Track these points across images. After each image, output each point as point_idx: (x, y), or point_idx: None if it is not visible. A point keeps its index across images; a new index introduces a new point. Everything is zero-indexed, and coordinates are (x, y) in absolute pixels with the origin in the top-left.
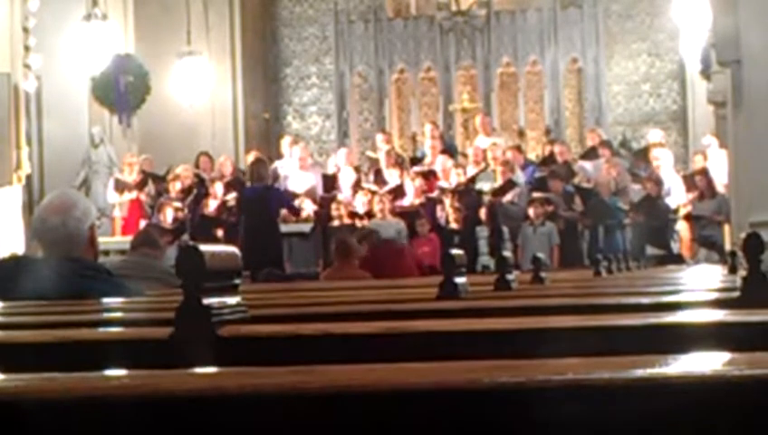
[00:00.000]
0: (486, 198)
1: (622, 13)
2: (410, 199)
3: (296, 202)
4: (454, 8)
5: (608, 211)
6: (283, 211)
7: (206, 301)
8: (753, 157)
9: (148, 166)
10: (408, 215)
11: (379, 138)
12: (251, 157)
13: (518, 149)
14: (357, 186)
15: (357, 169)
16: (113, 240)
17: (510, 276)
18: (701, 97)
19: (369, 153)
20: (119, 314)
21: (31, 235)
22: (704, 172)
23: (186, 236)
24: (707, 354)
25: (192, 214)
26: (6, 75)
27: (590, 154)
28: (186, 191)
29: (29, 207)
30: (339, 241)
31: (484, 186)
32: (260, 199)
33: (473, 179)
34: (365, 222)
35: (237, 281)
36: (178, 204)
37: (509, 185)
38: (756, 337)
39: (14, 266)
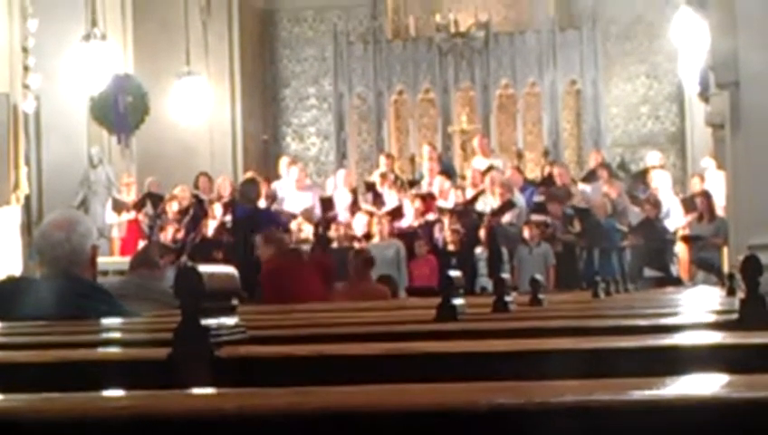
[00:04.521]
0: (485, 218)
1: (621, 35)
2: (409, 221)
3: (293, 223)
4: (453, 30)
5: (603, 233)
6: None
7: (204, 322)
8: (751, 179)
9: (155, 188)
10: (406, 236)
11: (382, 160)
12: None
13: (518, 169)
14: (354, 207)
15: (354, 192)
16: (112, 260)
17: (508, 298)
18: (699, 119)
19: (368, 179)
20: (117, 335)
21: (32, 251)
22: (704, 194)
23: (183, 258)
24: (705, 377)
25: (191, 234)
26: (5, 95)
27: (591, 177)
28: (183, 212)
29: (27, 227)
30: (356, 254)
31: (485, 208)
32: (249, 220)
33: (472, 201)
34: (363, 244)
35: (236, 302)
36: (176, 225)
37: (508, 205)
38: (754, 359)
39: (12, 288)
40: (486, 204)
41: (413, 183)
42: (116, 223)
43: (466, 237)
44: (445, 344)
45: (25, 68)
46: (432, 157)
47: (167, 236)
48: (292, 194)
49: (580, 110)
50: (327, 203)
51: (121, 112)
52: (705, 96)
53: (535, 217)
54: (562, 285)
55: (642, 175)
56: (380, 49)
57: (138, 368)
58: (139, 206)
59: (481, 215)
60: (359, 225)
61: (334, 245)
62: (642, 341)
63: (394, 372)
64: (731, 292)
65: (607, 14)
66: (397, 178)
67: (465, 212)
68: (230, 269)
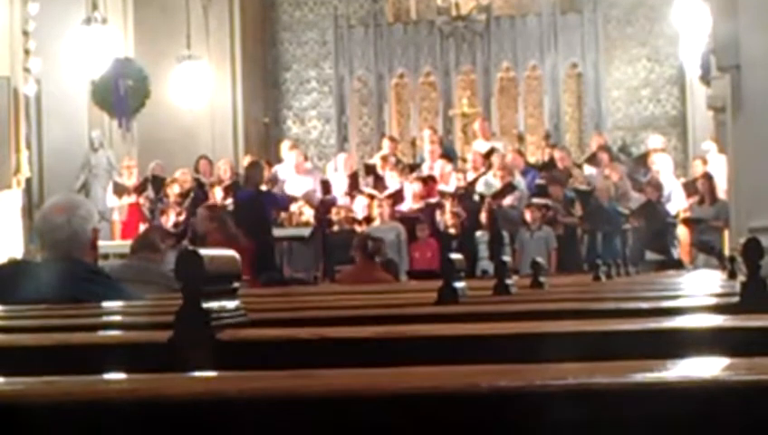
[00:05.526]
0: (486, 201)
1: (622, 18)
2: (409, 204)
3: (294, 206)
4: (454, 13)
5: (607, 217)
6: (283, 214)
7: (205, 305)
8: (752, 162)
9: (159, 171)
10: (407, 220)
11: (386, 143)
12: (247, 161)
13: (519, 153)
14: (353, 189)
15: (354, 175)
16: (113, 244)
17: (509, 281)
18: (700, 102)
19: (369, 162)
20: (118, 318)
21: (33, 235)
22: (706, 177)
23: (184, 241)
24: (706, 359)
25: (192, 218)
26: (6, 79)
27: (592, 160)
28: (184, 195)
29: (28, 210)
30: (362, 239)
31: (486, 190)
32: (252, 203)
33: (473, 184)
34: (364, 227)
35: (236, 285)
36: (177, 208)
37: (509, 188)
38: (755, 342)
39: (13, 271)
40: (489, 185)
41: (413, 167)
42: (117, 206)
43: (468, 221)
44: (446, 327)
45: (26, 52)
46: (433, 140)
47: (168, 219)
48: (292, 177)
49: (582, 93)
50: (327, 186)
51: (122, 96)
52: (706, 79)
53: (537, 201)
54: (564, 269)
55: (643, 158)
56: (381, 32)
57: (138, 351)
58: (139, 189)
59: (482, 196)
60: (359, 208)
61: (335, 228)
62: (643, 324)
63: (395, 354)
64: (732, 275)
65: None
66: (398, 161)
67: (466, 195)
68: (231, 252)
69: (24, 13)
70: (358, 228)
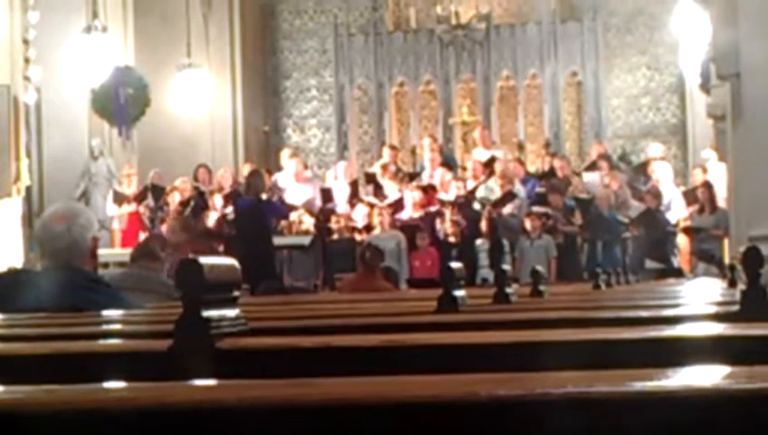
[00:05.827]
0: (486, 210)
1: (622, 26)
2: (409, 213)
3: (294, 214)
4: (453, 22)
5: (606, 225)
6: (283, 222)
7: (205, 313)
8: (752, 170)
9: (157, 180)
10: (407, 228)
11: (386, 152)
12: (246, 169)
13: (519, 161)
14: (354, 198)
15: (354, 183)
16: (112, 252)
17: (509, 290)
18: (700, 111)
19: (369, 170)
20: (118, 327)
21: (33, 243)
22: (706, 185)
23: None
24: (707, 368)
25: None
26: (6, 87)
27: (592, 168)
28: (184, 203)
29: (28, 218)
30: (365, 249)
31: (487, 194)
32: (252, 212)
33: (473, 192)
34: (364, 235)
35: (237, 293)
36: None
37: (509, 196)
38: (755, 351)
39: (13, 279)
40: (490, 189)
41: (413, 175)
42: (117, 215)
43: (468, 229)
44: (446, 336)
45: (26, 60)
46: (433, 148)
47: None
48: (292, 186)
49: (581, 101)
50: (327, 194)
51: (122, 104)
52: (706, 88)
53: (536, 209)
54: (564, 277)
55: (643, 167)
56: (381, 41)
57: (138, 360)
58: (139, 198)
59: (483, 203)
60: (359, 216)
61: (335, 236)
62: (643, 332)
63: (395, 363)
64: (732, 283)
65: (608, 5)
66: (398, 169)
67: (466, 204)
68: (231, 261)
69: (25, 21)
70: (358, 237)
